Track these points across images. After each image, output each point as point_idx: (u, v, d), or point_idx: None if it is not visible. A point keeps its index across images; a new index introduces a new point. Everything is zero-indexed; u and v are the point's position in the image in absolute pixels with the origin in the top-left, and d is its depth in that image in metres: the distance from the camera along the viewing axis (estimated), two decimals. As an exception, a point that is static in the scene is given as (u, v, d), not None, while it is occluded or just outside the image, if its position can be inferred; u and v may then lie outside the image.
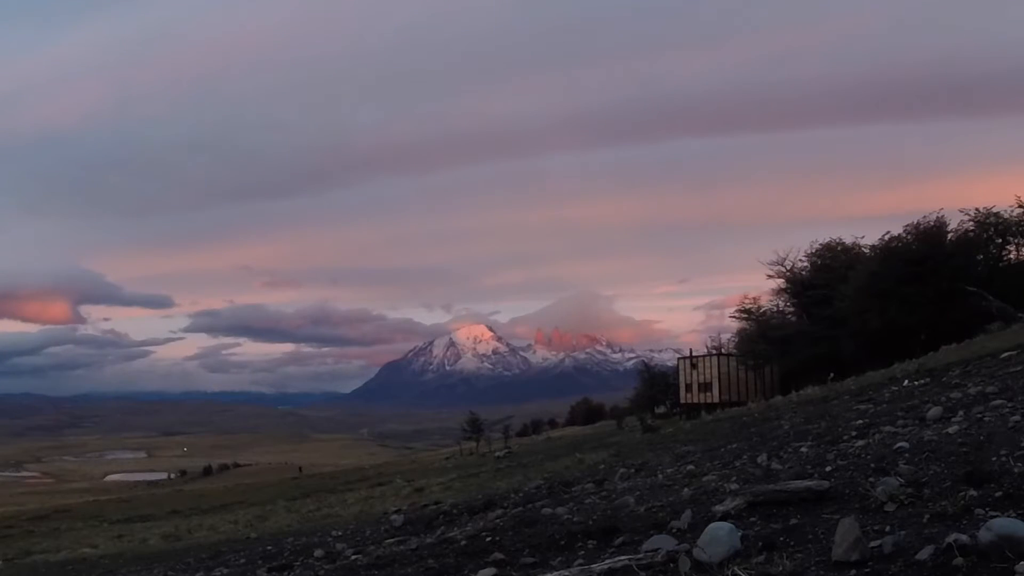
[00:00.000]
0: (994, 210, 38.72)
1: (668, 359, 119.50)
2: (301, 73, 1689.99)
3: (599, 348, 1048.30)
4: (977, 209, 38.85)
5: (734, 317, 55.13)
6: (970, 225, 38.83)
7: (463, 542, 7.96)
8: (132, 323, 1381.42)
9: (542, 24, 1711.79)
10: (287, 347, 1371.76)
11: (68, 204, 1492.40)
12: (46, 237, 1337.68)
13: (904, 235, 39.64)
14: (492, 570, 6.21)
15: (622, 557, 5.30)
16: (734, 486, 7.49)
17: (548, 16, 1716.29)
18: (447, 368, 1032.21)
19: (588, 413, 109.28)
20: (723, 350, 61.49)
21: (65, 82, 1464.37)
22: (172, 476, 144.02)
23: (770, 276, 50.64)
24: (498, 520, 9.22)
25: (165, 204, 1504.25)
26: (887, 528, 4.77)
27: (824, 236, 50.31)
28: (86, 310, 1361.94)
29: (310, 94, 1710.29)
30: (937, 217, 39.09)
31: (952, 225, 39.12)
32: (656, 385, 71.10)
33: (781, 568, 4.46)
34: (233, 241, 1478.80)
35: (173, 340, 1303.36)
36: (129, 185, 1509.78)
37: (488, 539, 7.73)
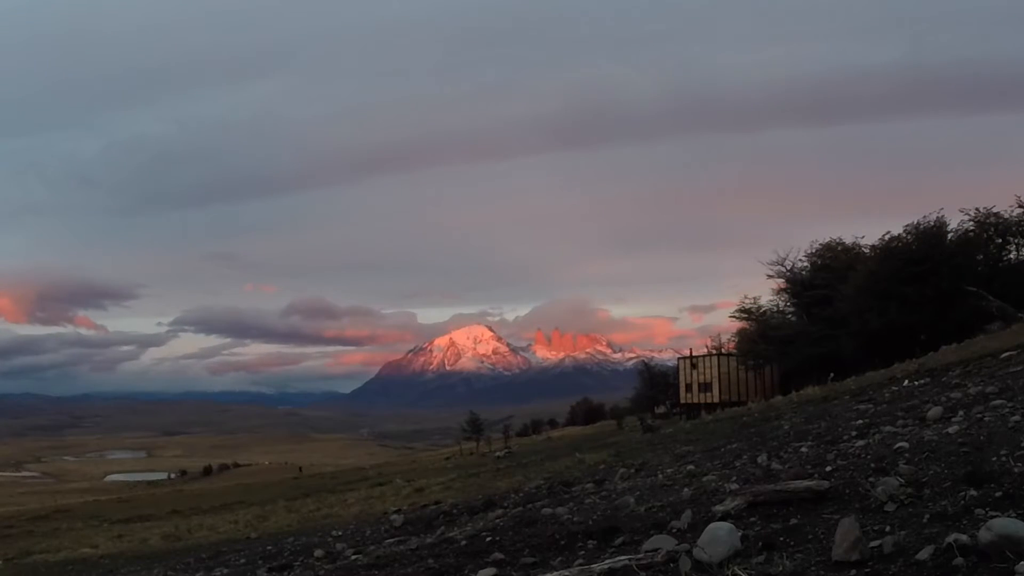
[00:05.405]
0: (994, 210, 38.71)
1: (668, 359, 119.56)
2: (285, 68, 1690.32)
3: (599, 348, 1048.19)
4: (977, 209, 38.82)
5: (734, 317, 55.10)
6: (970, 225, 38.75)
7: (463, 542, 7.97)
8: (132, 323, 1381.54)
9: (540, 22, 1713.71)
10: (287, 347, 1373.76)
11: (65, 203, 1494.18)
12: (46, 236, 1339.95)
13: (904, 235, 39.56)
14: (492, 570, 6.22)
15: (622, 557, 5.30)
16: (734, 486, 7.49)
17: (544, 9, 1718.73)
18: (447, 368, 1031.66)
19: (588, 413, 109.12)
20: (723, 350, 61.44)
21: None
22: (172, 476, 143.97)
23: (770, 276, 50.63)
24: (498, 520, 9.23)
25: (166, 203, 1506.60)
26: (887, 528, 4.77)
27: (824, 236, 50.27)
28: (86, 310, 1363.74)
29: (304, 91, 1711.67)
30: (937, 217, 39.03)
31: (952, 225, 39.08)
32: (656, 385, 71.18)
33: (781, 568, 4.46)
34: (235, 240, 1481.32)
35: (173, 340, 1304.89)
36: (127, 184, 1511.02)
37: (488, 539, 7.73)
